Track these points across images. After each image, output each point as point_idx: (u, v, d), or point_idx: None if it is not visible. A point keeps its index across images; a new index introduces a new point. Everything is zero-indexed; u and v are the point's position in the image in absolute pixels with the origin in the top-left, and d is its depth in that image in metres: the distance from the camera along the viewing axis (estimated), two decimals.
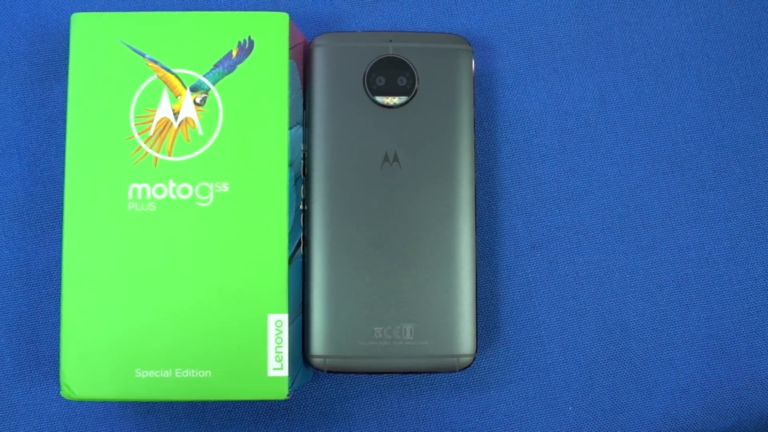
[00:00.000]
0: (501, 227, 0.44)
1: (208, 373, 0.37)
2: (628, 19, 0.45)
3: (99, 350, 0.37)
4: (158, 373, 0.37)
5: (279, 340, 0.37)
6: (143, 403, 0.42)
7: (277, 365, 0.37)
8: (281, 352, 0.37)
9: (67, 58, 0.44)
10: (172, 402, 0.42)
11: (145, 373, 0.37)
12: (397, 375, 0.43)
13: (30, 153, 0.44)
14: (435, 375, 0.43)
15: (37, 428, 0.42)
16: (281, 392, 0.37)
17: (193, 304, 0.37)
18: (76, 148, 0.38)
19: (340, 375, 0.43)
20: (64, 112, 0.44)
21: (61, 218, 0.43)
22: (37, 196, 0.44)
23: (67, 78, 0.44)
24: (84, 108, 0.38)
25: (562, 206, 0.44)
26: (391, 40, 0.41)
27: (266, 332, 0.37)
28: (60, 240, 0.43)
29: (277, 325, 0.37)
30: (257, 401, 0.42)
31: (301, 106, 0.41)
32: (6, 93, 0.44)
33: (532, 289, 0.43)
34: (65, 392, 0.37)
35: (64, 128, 0.44)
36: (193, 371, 0.37)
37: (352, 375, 0.43)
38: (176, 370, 0.37)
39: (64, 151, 0.44)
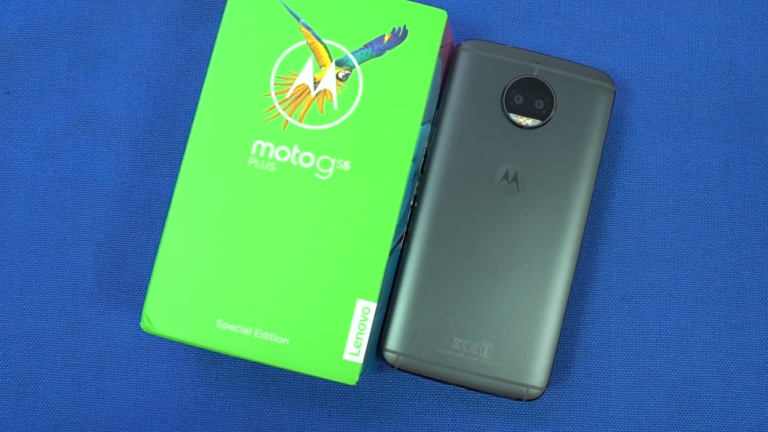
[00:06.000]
0: (596, 270, 0.43)
1: (286, 341, 0.37)
2: None
3: (187, 292, 0.37)
4: (238, 329, 0.37)
5: (362, 327, 0.37)
6: (209, 352, 0.43)
7: (354, 351, 0.37)
8: (361, 339, 0.37)
9: (217, 2, 0.45)
10: (237, 358, 0.43)
11: (225, 326, 0.37)
12: (462, 389, 0.42)
13: (159, 85, 0.45)
14: (499, 399, 0.42)
15: (101, 350, 0.43)
16: (352, 377, 0.37)
17: (287, 270, 0.37)
18: (212, 92, 0.38)
19: (406, 375, 0.43)
20: (201, 53, 0.45)
21: (178, 155, 0.44)
22: (156, 128, 0.44)
23: (212, 21, 0.45)
24: (229, 56, 0.38)
25: (662, 265, 0.43)
26: (538, 62, 0.41)
27: (352, 316, 0.37)
28: (167, 176, 0.44)
29: (364, 312, 0.37)
30: (318, 379, 0.43)
31: (436, 104, 0.41)
32: (150, 23, 0.45)
33: (612, 339, 0.43)
34: (145, 324, 0.37)
35: (203, 70, 0.44)
36: (272, 335, 0.37)
37: (418, 378, 0.42)
38: (256, 330, 0.37)
39: (193, 91, 0.44)
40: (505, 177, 0.40)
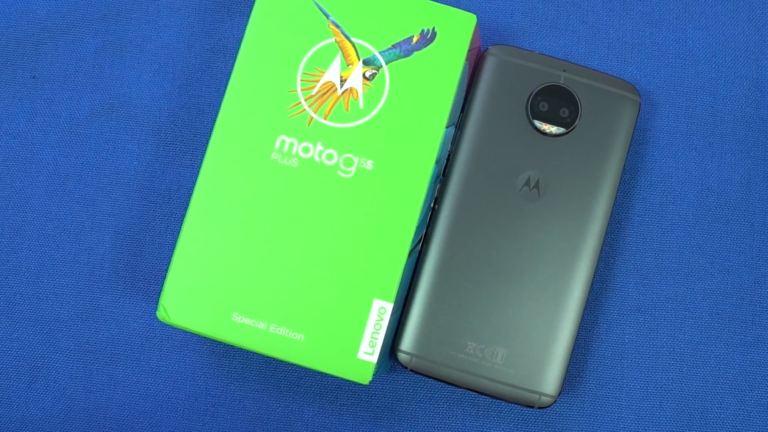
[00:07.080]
0: (612, 281, 0.43)
1: (301, 337, 0.37)
2: None
3: (205, 284, 0.37)
4: (254, 323, 0.37)
5: (378, 327, 0.37)
6: (221, 344, 0.43)
7: (369, 350, 0.37)
8: (376, 338, 0.37)
9: None
10: (250, 352, 0.43)
11: (241, 319, 0.37)
12: (473, 394, 0.42)
13: (183, 76, 0.45)
14: (510, 405, 0.42)
15: (115, 337, 0.43)
16: (365, 377, 0.37)
17: (305, 266, 0.37)
18: (238, 86, 0.38)
19: (418, 376, 0.43)
20: (227, 46, 0.45)
21: (200, 146, 0.44)
22: (179, 119, 0.44)
23: (240, 15, 0.45)
24: (257, 50, 0.38)
25: (679, 279, 0.43)
26: (564, 70, 0.41)
27: (368, 315, 0.37)
28: (188, 166, 0.44)
29: (380, 312, 0.37)
30: (330, 377, 0.43)
31: (460, 108, 0.41)
32: (178, 14, 0.45)
33: (625, 350, 0.43)
34: (161, 314, 0.38)
35: (229, 63, 0.44)
36: (287, 331, 0.37)
37: (430, 380, 0.42)
38: (272, 325, 0.37)
39: (218, 83, 0.44)
40: (527, 183, 0.40)
